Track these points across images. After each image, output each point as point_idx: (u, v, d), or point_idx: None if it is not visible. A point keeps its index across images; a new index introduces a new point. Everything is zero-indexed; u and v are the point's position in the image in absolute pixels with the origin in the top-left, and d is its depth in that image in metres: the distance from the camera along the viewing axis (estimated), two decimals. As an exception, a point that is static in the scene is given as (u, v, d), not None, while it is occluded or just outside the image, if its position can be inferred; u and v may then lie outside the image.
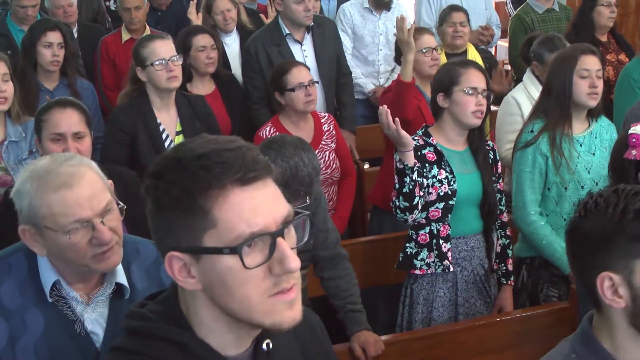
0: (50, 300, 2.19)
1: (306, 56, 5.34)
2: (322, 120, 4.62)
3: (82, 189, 2.13)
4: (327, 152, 4.54)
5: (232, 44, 5.85)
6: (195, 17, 5.83)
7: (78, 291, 2.22)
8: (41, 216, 2.12)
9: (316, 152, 4.41)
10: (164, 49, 4.20)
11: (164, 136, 4.28)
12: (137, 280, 2.28)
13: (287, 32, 5.34)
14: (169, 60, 4.16)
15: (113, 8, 7.23)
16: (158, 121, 4.28)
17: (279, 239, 1.45)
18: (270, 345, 1.59)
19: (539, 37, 5.03)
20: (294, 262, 1.45)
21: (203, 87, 5.15)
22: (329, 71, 5.43)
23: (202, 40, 5.11)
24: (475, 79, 3.65)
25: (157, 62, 4.15)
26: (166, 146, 4.26)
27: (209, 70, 5.14)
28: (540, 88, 4.68)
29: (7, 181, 3.89)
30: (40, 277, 2.20)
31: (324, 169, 4.45)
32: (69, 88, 4.96)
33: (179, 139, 4.29)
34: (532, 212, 3.83)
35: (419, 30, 5.02)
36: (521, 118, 4.63)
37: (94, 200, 2.14)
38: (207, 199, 1.42)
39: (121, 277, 2.25)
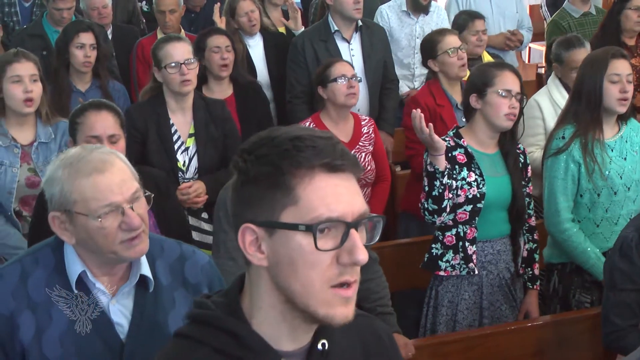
0: (75, 291, 2.23)
1: (353, 55, 5.35)
2: (363, 123, 4.64)
3: (113, 175, 2.20)
4: (363, 154, 4.55)
5: (255, 46, 5.80)
6: (219, 21, 5.82)
7: (103, 284, 2.26)
8: (72, 201, 2.18)
9: (352, 152, 4.43)
10: (177, 51, 4.20)
11: (175, 138, 4.28)
12: (161, 275, 2.33)
13: (336, 28, 5.37)
14: (182, 63, 4.16)
15: (146, 9, 7.27)
16: (171, 122, 4.28)
17: (353, 230, 1.49)
18: (327, 346, 1.61)
19: (557, 39, 5.03)
20: (363, 254, 1.48)
21: (219, 91, 5.05)
22: (375, 74, 5.43)
23: (217, 40, 5.00)
24: (510, 82, 3.63)
25: (170, 65, 4.16)
26: (176, 148, 4.27)
27: (221, 73, 5.01)
28: (563, 90, 4.66)
29: (35, 182, 3.92)
30: (67, 270, 2.25)
31: (357, 169, 4.45)
32: (101, 89, 4.99)
33: (191, 141, 4.30)
34: (565, 220, 3.78)
35: (441, 32, 4.98)
36: (542, 121, 4.63)
37: (124, 186, 2.21)
38: (294, 176, 1.48)
39: (145, 270, 2.29)
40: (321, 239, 1.47)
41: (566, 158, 3.75)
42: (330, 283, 1.49)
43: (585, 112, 3.77)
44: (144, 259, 2.29)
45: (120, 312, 2.27)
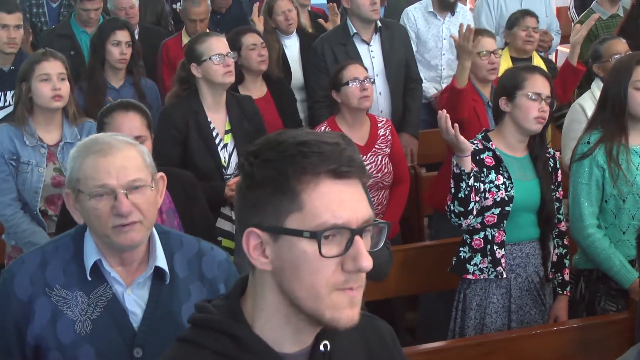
0: (89, 278, 2.27)
1: (373, 57, 5.33)
2: (379, 125, 4.60)
3: (115, 159, 2.24)
4: (380, 156, 4.52)
5: (292, 47, 5.84)
6: (257, 21, 5.86)
7: (118, 273, 2.30)
8: (76, 179, 2.25)
9: (368, 155, 4.43)
10: (220, 44, 4.26)
11: (214, 135, 4.31)
12: (179, 268, 2.37)
13: (355, 31, 5.34)
14: (225, 55, 4.22)
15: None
16: (209, 119, 4.31)
17: (357, 237, 1.49)
18: (329, 347, 1.60)
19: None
20: (367, 261, 1.48)
21: (255, 90, 5.11)
22: (397, 74, 5.40)
23: (252, 38, 5.10)
24: (540, 85, 3.61)
25: (215, 57, 4.20)
26: (216, 144, 4.30)
27: (261, 67, 5.11)
28: None
29: (61, 182, 3.95)
30: (84, 258, 2.29)
31: (374, 172, 4.45)
32: (134, 86, 5.04)
33: (228, 138, 4.33)
34: (589, 225, 3.73)
35: (479, 32, 4.92)
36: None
37: (122, 171, 2.23)
38: (300, 182, 1.48)
39: (161, 262, 2.33)
40: (325, 246, 1.47)
41: (590, 163, 3.72)
42: (335, 288, 1.49)
43: (611, 118, 3.74)
44: (160, 252, 2.33)
45: (134, 302, 2.31)
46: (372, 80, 4.56)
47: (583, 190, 3.74)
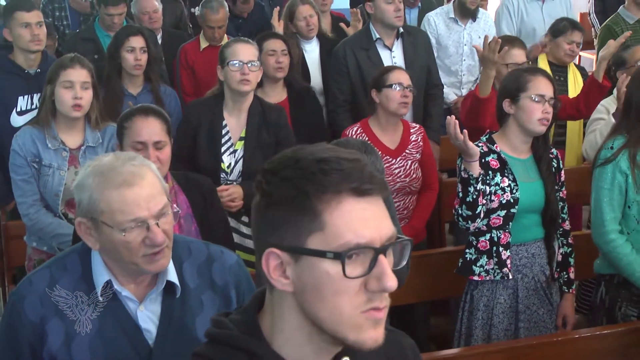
0: (101, 299, 2.24)
1: (395, 62, 5.32)
2: (412, 131, 4.63)
3: (142, 189, 2.19)
4: (410, 162, 4.53)
5: (311, 51, 5.85)
6: (278, 25, 5.87)
7: (130, 291, 2.28)
8: (99, 211, 2.18)
9: (398, 159, 4.46)
10: (244, 52, 4.28)
11: (225, 139, 4.32)
12: (189, 278, 2.34)
13: (377, 36, 5.35)
14: (245, 63, 4.23)
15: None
16: (224, 123, 4.33)
17: (381, 256, 1.44)
18: None
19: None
20: (392, 281, 1.44)
21: (273, 95, 5.09)
22: (418, 80, 5.37)
23: (273, 44, 5.09)
24: (543, 87, 3.64)
25: (233, 63, 4.23)
26: (224, 150, 4.31)
27: (277, 75, 5.09)
28: None
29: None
30: (93, 277, 2.26)
31: (402, 177, 4.47)
32: (152, 93, 5.02)
33: (241, 144, 4.33)
34: (611, 231, 3.71)
35: (510, 41, 4.91)
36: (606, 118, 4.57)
37: (151, 201, 2.19)
38: (321, 201, 1.43)
39: (172, 276, 2.29)
40: (349, 266, 1.42)
41: (613, 168, 3.69)
42: (359, 309, 1.44)
43: (636, 124, 3.71)
44: (170, 265, 2.29)
45: (148, 318, 2.28)
46: (412, 90, 4.56)
47: (605, 196, 3.72)
